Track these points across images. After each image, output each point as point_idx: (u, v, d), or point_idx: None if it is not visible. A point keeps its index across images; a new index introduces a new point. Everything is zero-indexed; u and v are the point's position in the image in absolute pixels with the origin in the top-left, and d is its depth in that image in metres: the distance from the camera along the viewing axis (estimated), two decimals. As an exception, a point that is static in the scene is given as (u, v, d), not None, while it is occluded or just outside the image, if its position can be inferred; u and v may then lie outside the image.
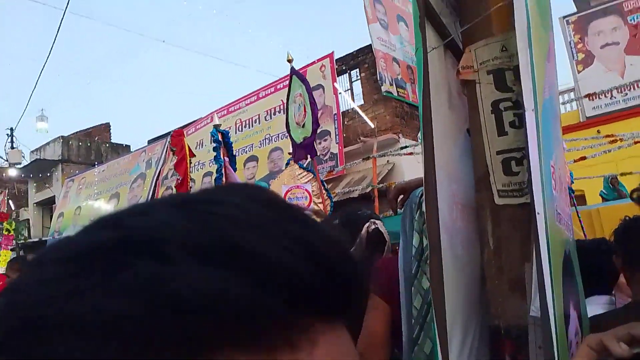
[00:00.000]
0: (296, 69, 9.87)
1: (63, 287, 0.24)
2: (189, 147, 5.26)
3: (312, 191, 6.97)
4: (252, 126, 12.12)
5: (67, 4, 6.68)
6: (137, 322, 0.22)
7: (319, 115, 5.24)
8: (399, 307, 1.55)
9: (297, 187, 6.94)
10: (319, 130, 5.44)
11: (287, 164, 7.29)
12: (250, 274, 0.24)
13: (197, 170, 12.12)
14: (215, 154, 5.07)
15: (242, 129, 12.43)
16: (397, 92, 9.83)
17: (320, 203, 6.96)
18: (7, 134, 20.51)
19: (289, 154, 7.66)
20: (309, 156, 5.37)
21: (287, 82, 11.60)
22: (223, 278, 0.24)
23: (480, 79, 1.47)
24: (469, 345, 1.29)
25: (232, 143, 5.27)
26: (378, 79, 9.41)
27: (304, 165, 7.88)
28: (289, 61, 5.32)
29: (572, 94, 11.67)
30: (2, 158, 21.29)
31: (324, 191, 6.99)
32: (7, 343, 0.24)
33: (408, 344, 1.42)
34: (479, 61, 1.47)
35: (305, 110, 4.95)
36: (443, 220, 1.32)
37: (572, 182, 4.70)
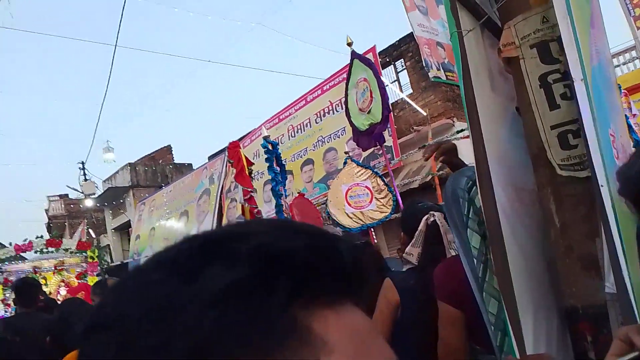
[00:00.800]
0: (345, 64, 9.83)
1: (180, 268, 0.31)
2: (245, 156, 5.35)
3: (373, 187, 6.95)
4: (304, 130, 12.23)
5: (117, 40, 7.03)
6: (248, 285, 0.29)
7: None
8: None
9: (356, 185, 6.93)
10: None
11: (345, 163, 7.29)
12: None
13: (258, 180, 12.37)
14: (268, 164, 5.13)
15: (294, 134, 12.58)
16: (446, 76, 9.60)
17: (382, 198, 6.91)
18: (80, 168, 21.91)
19: (345, 153, 7.66)
20: (377, 143, 5.10)
21: (333, 82, 11.64)
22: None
23: (523, 55, 1.42)
24: (544, 332, 1.24)
25: (280, 153, 5.27)
26: (424, 65, 9.23)
27: (362, 162, 7.88)
28: (349, 44, 5.04)
29: (633, 52, 10.92)
30: (77, 190, 22.75)
31: (384, 186, 6.94)
32: (142, 327, 0.29)
33: (476, 287, 1.39)
34: (520, 36, 1.43)
35: (372, 96, 4.72)
36: (502, 206, 1.29)
37: None
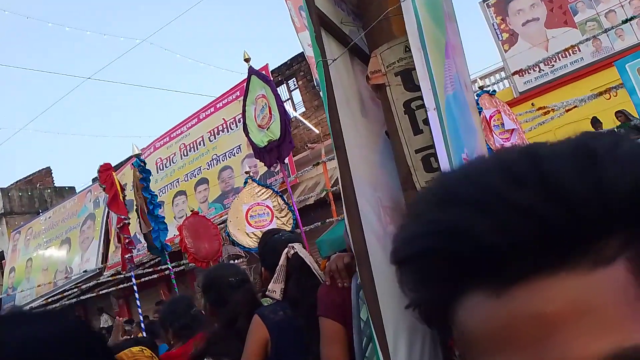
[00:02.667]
0: (239, 82, 9.68)
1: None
2: (119, 181, 5.03)
3: (274, 206, 6.93)
4: (197, 149, 11.92)
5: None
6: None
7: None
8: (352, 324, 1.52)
9: (257, 205, 6.88)
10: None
11: (245, 182, 7.21)
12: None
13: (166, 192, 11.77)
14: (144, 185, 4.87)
15: (187, 153, 12.21)
16: (336, 94, 9.95)
17: (283, 217, 6.91)
18: (-60, 195, 19.39)
19: (246, 172, 7.56)
20: (278, 161, 4.91)
21: (227, 100, 11.49)
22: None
23: (389, 82, 1.48)
24: (418, 351, 1.28)
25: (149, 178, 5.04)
26: (315, 85, 9.47)
27: (261, 182, 7.83)
28: (246, 60, 4.88)
29: (502, 73, 12.11)
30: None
31: (284, 205, 6.95)
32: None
33: (358, 355, 1.41)
34: (385, 64, 1.48)
35: (270, 113, 4.62)
36: (372, 229, 1.31)
37: None
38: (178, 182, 12.14)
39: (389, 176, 1.52)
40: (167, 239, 11.72)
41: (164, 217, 4.97)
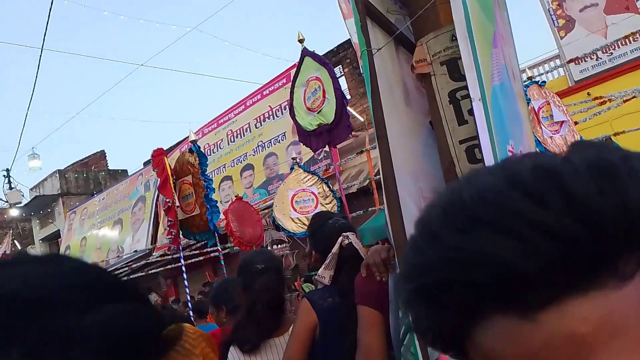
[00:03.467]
0: (285, 69, 9.70)
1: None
2: (170, 166, 5.21)
3: (319, 193, 7.01)
4: (244, 135, 12.11)
5: (43, 42, 6.67)
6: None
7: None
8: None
9: (302, 191, 6.98)
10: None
11: (292, 168, 7.30)
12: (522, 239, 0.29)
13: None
14: (202, 169, 5.03)
15: (234, 139, 12.43)
16: (382, 82, 9.85)
17: (327, 204, 6.98)
18: (4, 175, 20.56)
19: (292, 158, 7.65)
20: (327, 145, 4.79)
21: (273, 87, 11.60)
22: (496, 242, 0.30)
23: (434, 71, 1.46)
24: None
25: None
26: (361, 72, 9.45)
27: (308, 169, 7.91)
28: (300, 41, 4.78)
29: (557, 61, 11.62)
30: (1, 199, 21.36)
31: (329, 192, 7.01)
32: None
33: (395, 344, 1.42)
34: (431, 53, 1.47)
35: (324, 96, 4.47)
36: (413, 220, 1.32)
37: None
38: (225, 167, 12.39)
39: (432, 166, 1.51)
40: (217, 221, 12.04)
41: (216, 201, 5.15)
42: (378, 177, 8.39)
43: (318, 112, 4.36)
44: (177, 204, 5.04)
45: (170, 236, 5.03)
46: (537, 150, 3.96)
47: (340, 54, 11.01)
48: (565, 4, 11.62)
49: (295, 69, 4.93)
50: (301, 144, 10.33)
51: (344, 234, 1.87)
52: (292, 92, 4.66)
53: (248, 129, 12.05)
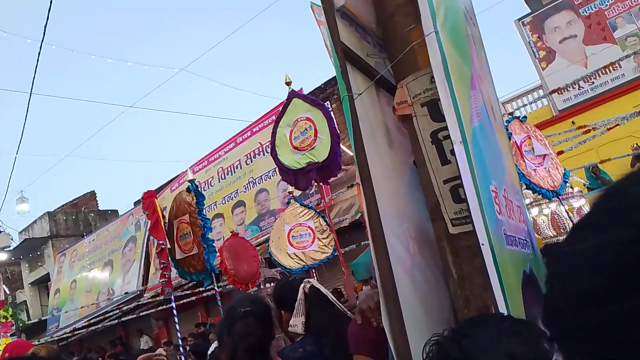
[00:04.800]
0: (275, 105, 9.80)
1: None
2: (160, 207, 5.20)
3: (315, 227, 6.94)
4: (235, 172, 12.14)
5: (32, 87, 6.72)
6: None
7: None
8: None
9: (299, 225, 6.91)
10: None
11: (288, 202, 7.26)
12: None
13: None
14: (198, 208, 5.02)
15: (224, 176, 12.45)
16: (370, 116, 9.98)
17: (324, 238, 6.91)
18: (-7, 219, 20.33)
19: (289, 192, 7.58)
20: (314, 182, 4.78)
21: (262, 124, 11.68)
22: None
23: (416, 112, 1.48)
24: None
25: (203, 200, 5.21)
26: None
27: (304, 202, 7.87)
28: (288, 84, 4.89)
29: (540, 91, 11.88)
30: (-10, 244, 21.04)
31: (326, 226, 6.94)
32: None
33: None
34: (411, 95, 1.49)
35: (316, 136, 4.54)
36: (400, 261, 1.31)
37: (566, 181, 4.61)
38: (216, 205, 12.36)
39: (416, 207, 1.51)
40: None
41: (213, 240, 5.12)
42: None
43: (308, 151, 4.42)
44: (169, 245, 4.99)
45: (163, 279, 4.96)
46: (522, 184, 4.02)
47: (328, 90, 11.18)
48: (545, 36, 11.96)
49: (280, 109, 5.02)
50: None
51: (304, 280, 1.88)
52: (274, 132, 4.75)
53: (239, 165, 12.09)
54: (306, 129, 4.52)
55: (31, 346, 4.14)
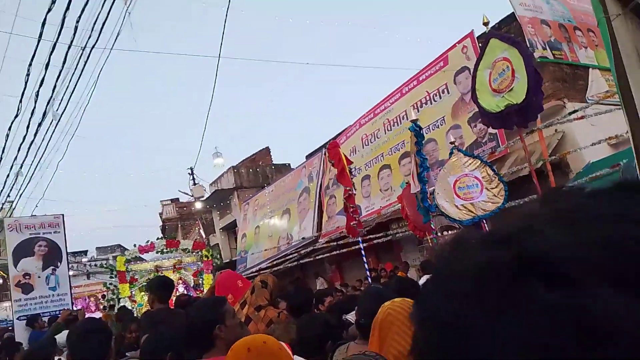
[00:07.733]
0: (443, 52, 9.57)
1: (469, 302, 0.26)
2: (345, 155, 5.49)
3: (483, 177, 6.67)
4: (401, 123, 12.11)
5: (220, 51, 7.45)
6: (547, 348, 0.22)
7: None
8: None
9: (465, 176, 6.70)
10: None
11: (451, 153, 7.09)
12: None
13: (356, 176, 12.51)
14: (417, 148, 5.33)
15: (390, 127, 12.52)
16: (553, 54, 9.04)
17: (493, 188, 6.65)
18: (189, 173, 23.50)
19: (451, 143, 7.40)
20: (515, 126, 4.71)
21: (429, 72, 11.38)
22: None
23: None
24: None
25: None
26: (528, 46, 8.77)
27: (468, 152, 7.63)
28: (485, 24, 4.82)
29: None
30: (188, 194, 24.46)
31: (494, 175, 6.67)
32: (433, 341, 0.28)
33: None
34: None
35: (513, 75, 4.41)
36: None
37: None
38: (382, 156, 12.56)
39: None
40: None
41: (427, 180, 5.51)
42: (553, 157, 7.75)
43: (506, 93, 4.27)
44: (354, 191, 5.31)
45: (354, 222, 5.33)
46: None
47: (503, 30, 10.36)
48: None
49: (479, 51, 4.92)
50: (461, 127, 10.01)
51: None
52: (474, 77, 4.65)
53: (405, 116, 12.02)
54: (504, 70, 4.34)
55: (239, 275, 4.76)
